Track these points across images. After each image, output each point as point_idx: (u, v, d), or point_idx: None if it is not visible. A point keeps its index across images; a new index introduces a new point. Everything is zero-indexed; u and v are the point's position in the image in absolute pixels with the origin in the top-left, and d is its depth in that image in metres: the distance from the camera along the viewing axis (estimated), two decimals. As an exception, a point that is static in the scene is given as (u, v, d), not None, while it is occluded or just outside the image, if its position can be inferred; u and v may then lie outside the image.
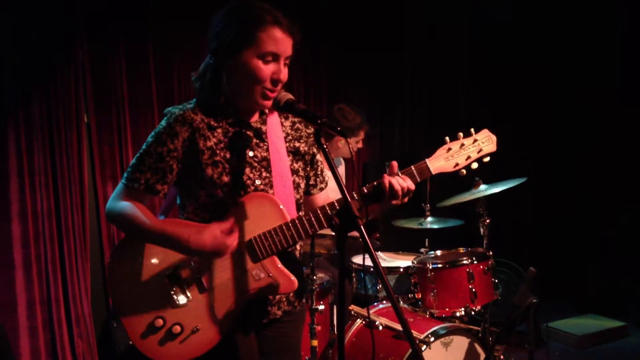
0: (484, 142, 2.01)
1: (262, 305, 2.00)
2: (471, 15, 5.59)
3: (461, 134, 2.00)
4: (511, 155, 5.72)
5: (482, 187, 3.62)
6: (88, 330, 3.96)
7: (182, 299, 1.90)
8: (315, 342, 3.21)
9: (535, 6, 5.44)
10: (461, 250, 3.68)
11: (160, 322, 1.90)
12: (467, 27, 5.68)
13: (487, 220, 3.61)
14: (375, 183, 1.91)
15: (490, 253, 3.49)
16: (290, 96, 1.88)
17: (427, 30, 5.63)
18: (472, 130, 2.01)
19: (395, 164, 1.93)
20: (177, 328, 1.90)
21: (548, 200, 5.66)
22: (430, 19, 5.61)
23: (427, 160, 1.96)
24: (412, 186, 1.90)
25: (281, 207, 1.90)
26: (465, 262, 3.36)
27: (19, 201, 3.70)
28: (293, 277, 1.92)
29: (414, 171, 1.94)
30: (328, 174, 2.16)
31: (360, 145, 4.28)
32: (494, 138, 2.02)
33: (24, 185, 3.71)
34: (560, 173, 5.69)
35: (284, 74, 1.88)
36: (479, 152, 2.00)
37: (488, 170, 3.76)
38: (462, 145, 1.98)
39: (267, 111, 2.00)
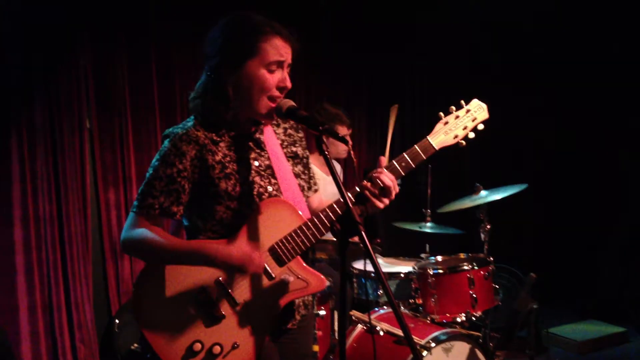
0: (477, 111, 2.05)
1: (289, 310, 2.01)
2: (472, 16, 5.59)
3: (453, 107, 2.05)
4: (511, 161, 5.75)
5: (483, 193, 3.62)
6: (90, 336, 3.96)
7: (216, 318, 1.88)
8: (316, 348, 3.20)
9: (535, 5, 5.44)
10: (462, 255, 3.68)
11: (198, 346, 1.87)
12: (467, 28, 5.69)
13: (488, 226, 3.61)
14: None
15: (491, 259, 3.50)
16: (292, 103, 1.89)
17: (426, 32, 5.64)
18: (462, 102, 2.06)
19: (383, 158, 1.98)
20: (217, 348, 1.87)
21: (548, 206, 5.66)
22: (430, 20, 5.62)
23: (428, 137, 2.01)
24: (390, 183, 1.90)
25: (296, 208, 1.93)
26: (465, 267, 3.36)
27: (21, 206, 3.71)
28: (322, 275, 1.94)
29: (418, 150, 1.98)
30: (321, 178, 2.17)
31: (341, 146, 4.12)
32: (484, 106, 2.07)
33: (26, 190, 3.72)
34: (561, 179, 5.69)
35: (289, 81, 1.91)
36: (473, 120, 2.04)
37: (489, 176, 3.79)
38: (457, 117, 2.03)
39: (262, 121, 2.01)
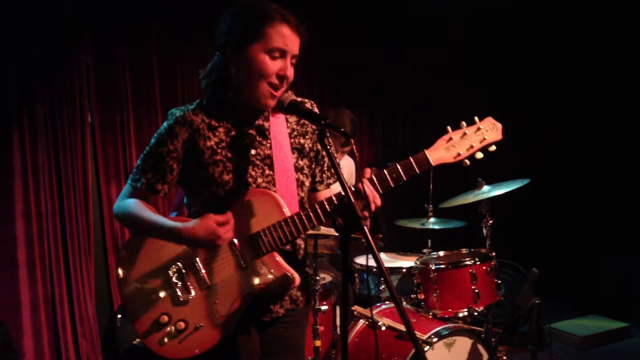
0: (488, 130, 1.91)
1: (264, 302, 2.01)
2: (472, 13, 5.58)
3: (464, 123, 1.91)
4: (514, 156, 5.74)
5: (485, 188, 3.61)
6: (92, 330, 3.97)
7: (185, 296, 1.93)
8: (318, 343, 3.22)
9: (536, 3, 5.42)
10: (464, 251, 3.68)
11: (165, 318, 1.93)
12: (468, 26, 5.67)
13: (490, 221, 3.60)
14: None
15: (493, 254, 3.49)
16: (294, 97, 1.88)
17: (428, 30, 5.62)
18: (476, 118, 1.92)
19: (368, 170, 1.95)
20: (182, 324, 1.93)
21: (551, 201, 5.65)
22: (431, 18, 5.60)
23: (426, 151, 1.88)
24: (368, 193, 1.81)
25: (281, 202, 1.91)
26: (468, 262, 3.36)
27: (23, 201, 3.72)
28: (295, 273, 1.93)
29: (413, 163, 1.86)
30: None
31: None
32: (499, 126, 1.93)
33: (28, 185, 3.73)
34: (564, 173, 5.68)
35: (291, 72, 1.88)
36: (482, 141, 1.90)
37: (491, 171, 3.79)
38: (464, 134, 1.89)
39: (264, 109, 1.98)
